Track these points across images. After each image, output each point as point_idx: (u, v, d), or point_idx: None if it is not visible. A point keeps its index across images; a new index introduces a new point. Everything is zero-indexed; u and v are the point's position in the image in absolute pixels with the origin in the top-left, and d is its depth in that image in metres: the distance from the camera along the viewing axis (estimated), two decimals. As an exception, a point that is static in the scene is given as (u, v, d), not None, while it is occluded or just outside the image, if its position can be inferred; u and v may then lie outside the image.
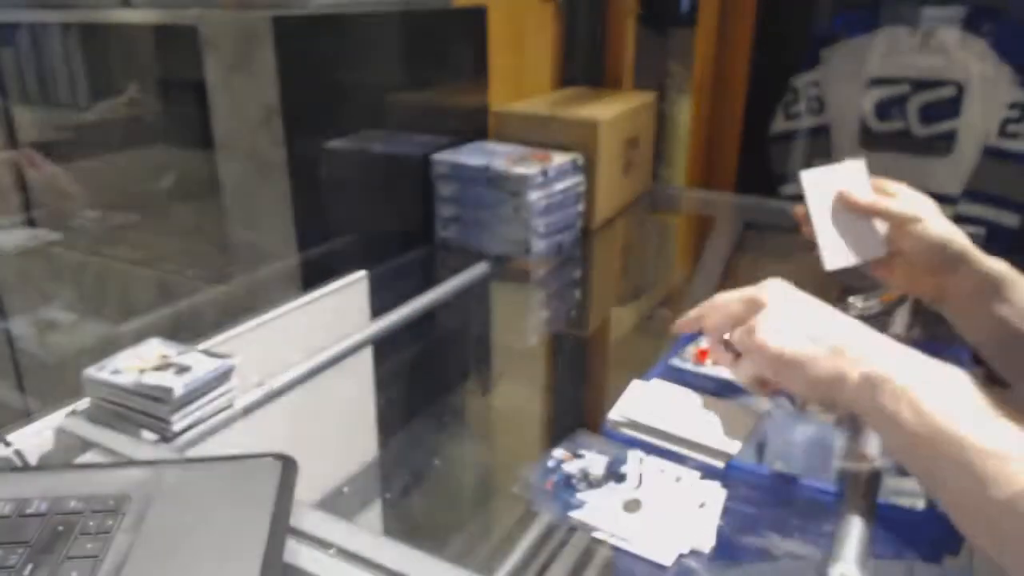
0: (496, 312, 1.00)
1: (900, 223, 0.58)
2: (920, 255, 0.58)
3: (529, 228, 0.98)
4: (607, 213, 1.19)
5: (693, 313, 0.58)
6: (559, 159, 1.04)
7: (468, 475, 0.71)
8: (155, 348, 0.61)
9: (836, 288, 0.84)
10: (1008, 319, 0.57)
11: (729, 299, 0.55)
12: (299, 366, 0.68)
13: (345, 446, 0.75)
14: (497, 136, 1.17)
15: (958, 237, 0.58)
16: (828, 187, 0.62)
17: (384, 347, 0.79)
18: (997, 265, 0.58)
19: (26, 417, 0.56)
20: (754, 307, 0.53)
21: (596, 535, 0.50)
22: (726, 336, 0.56)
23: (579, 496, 0.53)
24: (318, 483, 0.64)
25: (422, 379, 0.85)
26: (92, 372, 0.58)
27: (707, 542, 0.49)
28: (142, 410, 0.56)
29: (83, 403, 0.58)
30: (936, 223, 0.58)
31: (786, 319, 0.51)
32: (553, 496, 0.53)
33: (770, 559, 0.51)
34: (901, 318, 0.79)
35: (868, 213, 0.60)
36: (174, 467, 0.47)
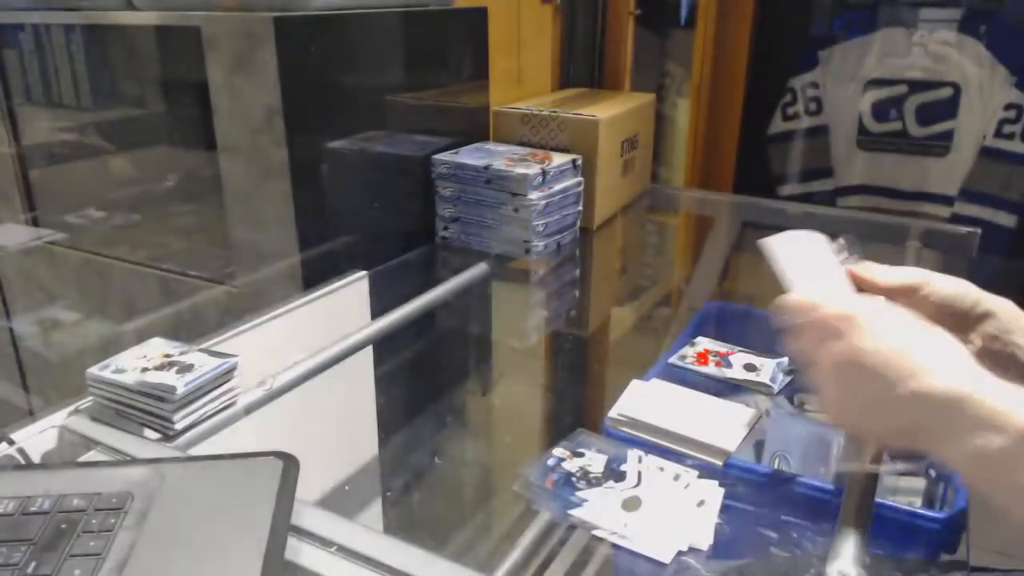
0: (496, 312, 1.00)
1: (915, 290, 0.56)
2: (941, 316, 0.54)
3: (529, 228, 0.99)
4: (606, 213, 1.19)
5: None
6: (559, 159, 1.04)
7: (468, 474, 0.71)
8: (157, 347, 0.61)
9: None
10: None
11: (821, 316, 0.51)
12: (300, 365, 0.68)
13: (346, 445, 0.76)
14: (497, 136, 1.17)
15: (965, 286, 0.56)
16: (797, 252, 0.59)
17: (384, 347, 0.80)
18: (1007, 303, 0.57)
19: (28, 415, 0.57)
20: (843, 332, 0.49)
21: (596, 533, 0.50)
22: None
23: (579, 494, 0.53)
24: (319, 481, 0.64)
25: (422, 379, 0.86)
26: (95, 371, 0.58)
27: (705, 540, 0.50)
28: (144, 408, 0.57)
29: (86, 401, 0.59)
30: (942, 279, 0.56)
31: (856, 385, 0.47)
32: (553, 494, 0.53)
33: (768, 557, 0.52)
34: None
35: (883, 291, 0.58)
36: (176, 465, 0.47)
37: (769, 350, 0.78)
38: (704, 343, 0.80)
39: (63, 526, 0.41)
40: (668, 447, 0.59)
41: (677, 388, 0.66)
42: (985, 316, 0.55)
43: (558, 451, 0.58)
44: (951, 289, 0.55)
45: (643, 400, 0.63)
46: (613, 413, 0.62)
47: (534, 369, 0.90)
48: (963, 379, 0.44)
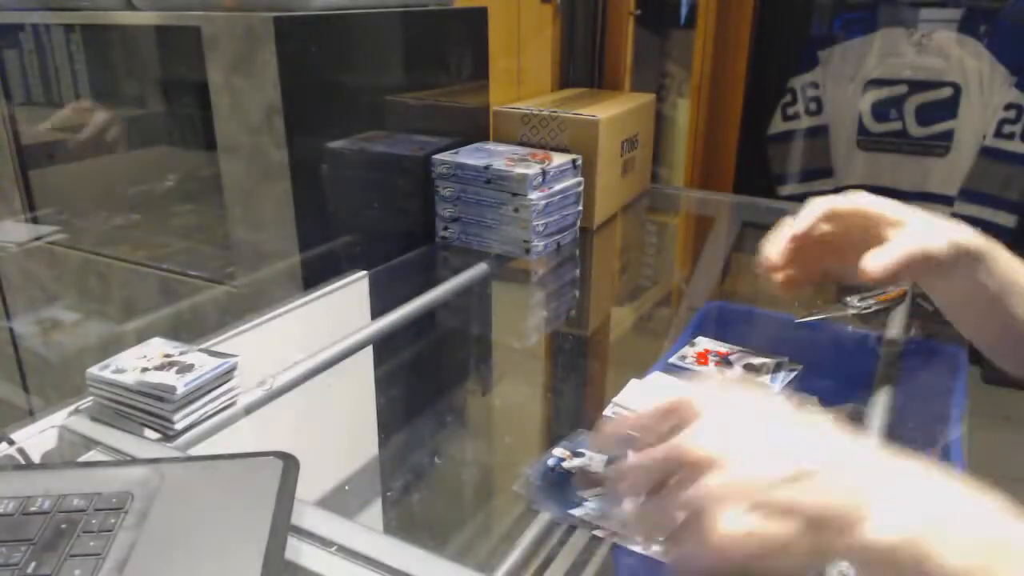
0: (496, 312, 1.00)
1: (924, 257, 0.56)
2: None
3: (529, 228, 0.99)
4: (606, 213, 1.19)
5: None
6: (559, 159, 1.04)
7: (468, 474, 0.71)
8: (157, 347, 0.61)
9: (833, 288, 0.85)
10: (986, 288, 0.58)
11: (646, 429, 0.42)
12: (300, 365, 0.68)
13: (346, 445, 0.76)
14: (497, 136, 1.17)
15: (952, 234, 0.57)
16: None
17: (384, 347, 0.80)
18: (976, 239, 0.58)
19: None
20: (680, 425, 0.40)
21: (596, 533, 0.50)
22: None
23: (579, 495, 0.53)
24: (319, 481, 0.64)
25: (422, 379, 0.86)
26: (95, 371, 0.58)
27: (706, 540, 0.50)
28: (144, 408, 0.57)
29: (86, 402, 0.59)
30: (938, 234, 0.57)
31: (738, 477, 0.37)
32: (553, 494, 0.53)
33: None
34: (899, 318, 0.79)
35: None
36: (176, 465, 0.47)
37: (769, 350, 0.78)
38: (704, 343, 0.80)
39: (63, 526, 0.41)
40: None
41: (676, 382, 0.66)
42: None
43: (558, 451, 0.58)
44: (947, 247, 0.56)
45: (640, 397, 0.63)
46: (609, 411, 0.62)
47: (534, 369, 0.90)
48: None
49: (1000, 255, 0.59)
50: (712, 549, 0.36)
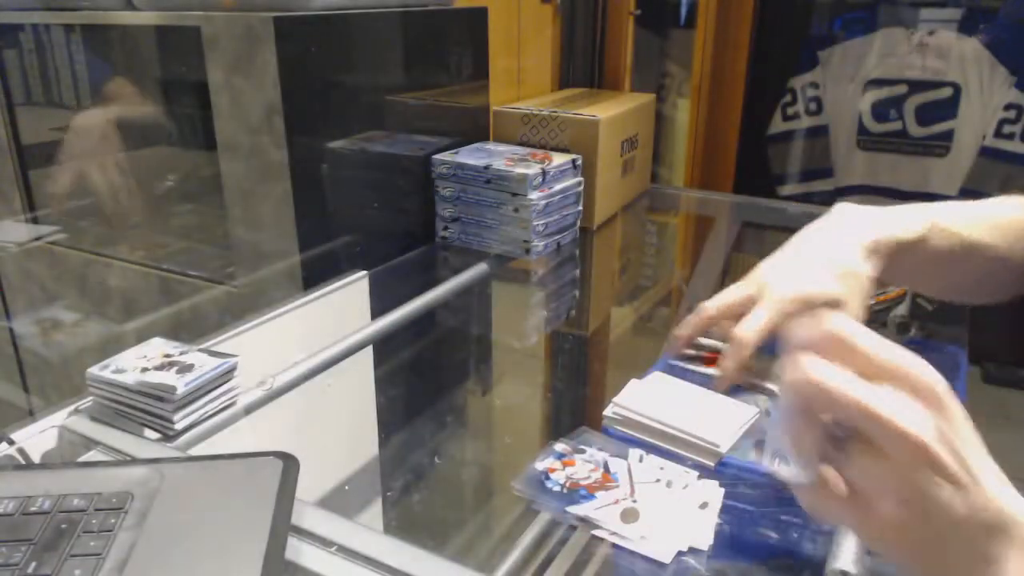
0: (496, 312, 1.00)
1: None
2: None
3: (529, 228, 0.99)
4: (606, 213, 1.19)
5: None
6: (559, 159, 1.04)
7: (468, 474, 0.71)
8: (157, 347, 0.62)
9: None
10: (930, 261, 0.60)
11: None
12: (300, 365, 0.68)
13: (346, 445, 0.76)
14: (497, 136, 1.18)
15: (874, 245, 0.59)
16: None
17: (384, 347, 0.80)
18: (905, 231, 0.59)
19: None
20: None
21: (596, 533, 0.50)
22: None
23: (579, 493, 0.53)
24: (319, 481, 0.64)
25: (422, 379, 0.86)
26: (95, 371, 0.58)
27: (705, 540, 0.50)
28: (145, 408, 0.57)
29: (86, 402, 0.59)
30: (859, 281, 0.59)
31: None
32: (553, 494, 0.53)
33: (768, 557, 0.52)
34: (898, 318, 0.79)
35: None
36: (176, 465, 0.47)
37: (769, 350, 0.77)
38: (704, 343, 0.80)
39: (63, 526, 0.41)
40: (662, 447, 0.59)
41: (676, 382, 0.66)
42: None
43: (560, 447, 0.58)
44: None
45: (640, 397, 0.63)
46: (609, 411, 0.62)
47: (534, 369, 0.90)
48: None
49: (938, 231, 0.59)
50: (870, 537, 0.36)
